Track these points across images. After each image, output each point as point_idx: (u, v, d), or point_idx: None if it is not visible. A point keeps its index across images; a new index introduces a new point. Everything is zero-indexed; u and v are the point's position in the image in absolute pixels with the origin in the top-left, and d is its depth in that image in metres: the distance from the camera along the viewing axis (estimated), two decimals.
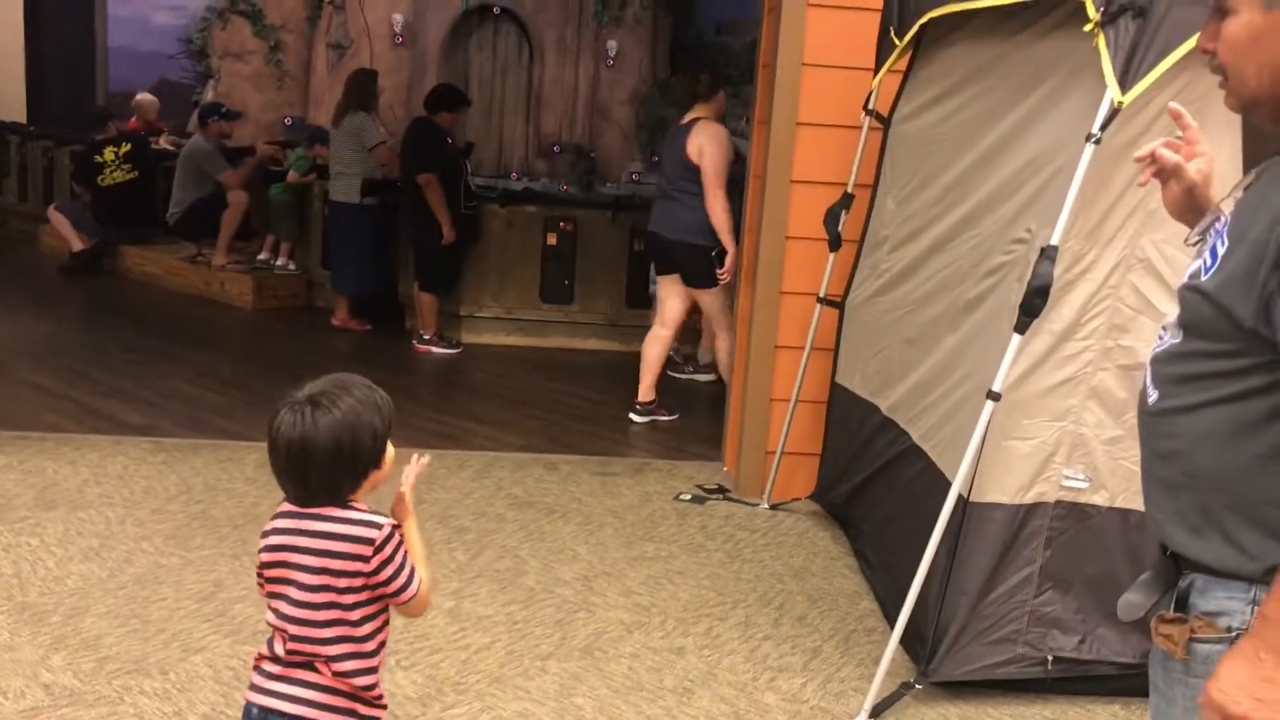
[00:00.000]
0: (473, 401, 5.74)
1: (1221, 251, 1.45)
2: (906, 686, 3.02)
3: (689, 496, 4.45)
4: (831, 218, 4.11)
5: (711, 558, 3.91)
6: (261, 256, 7.95)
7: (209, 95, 10.82)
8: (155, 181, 8.70)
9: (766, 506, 4.38)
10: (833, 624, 3.48)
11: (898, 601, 3.09)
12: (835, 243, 4.11)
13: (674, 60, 13.74)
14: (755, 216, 4.50)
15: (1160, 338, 1.51)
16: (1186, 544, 1.43)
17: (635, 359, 5.51)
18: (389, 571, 1.79)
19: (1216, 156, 2.38)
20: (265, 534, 1.84)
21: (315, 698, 1.80)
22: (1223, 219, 1.55)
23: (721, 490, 4.51)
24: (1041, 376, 2.92)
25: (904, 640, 3.06)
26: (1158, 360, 1.50)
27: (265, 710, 1.80)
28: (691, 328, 6.64)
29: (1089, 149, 2.73)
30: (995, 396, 2.83)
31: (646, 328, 6.76)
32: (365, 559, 1.77)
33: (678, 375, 6.36)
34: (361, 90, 7.02)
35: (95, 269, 8.41)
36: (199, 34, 11.03)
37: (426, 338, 6.64)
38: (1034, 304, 2.78)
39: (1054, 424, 2.94)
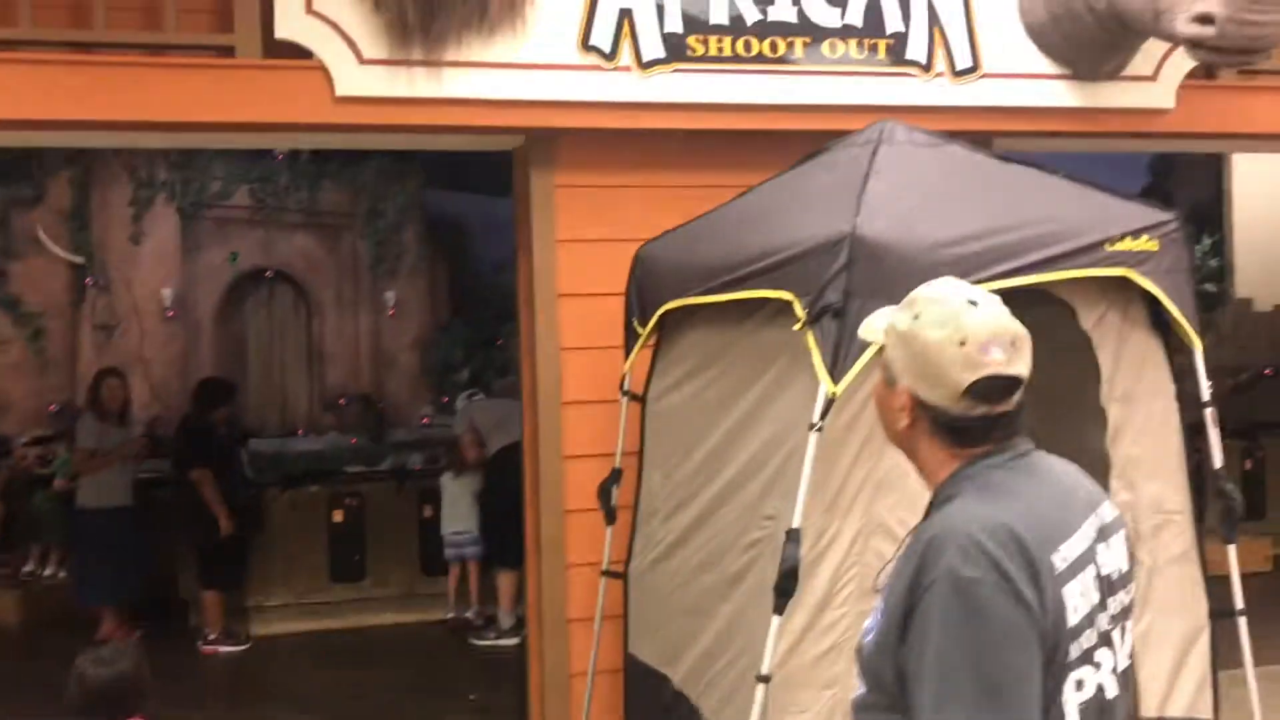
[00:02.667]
0: (263, 706, 5.50)
1: (879, 613, 1.64)
2: None
3: None
4: (604, 492, 4.27)
5: None
6: (27, 568, 7.52)
7: None
8: None
9: None
10: None
11: None
12: (610, 516, 4.26)
13: (455, 301, 14.08)
14: (533, 492, 4.62)
15: (857, 685, 1.66)
16: None
17: (435, 629, 5.44)
18: None
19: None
20: None
21: None
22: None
23: None
24: (806, 648, 3.09)
25: None
26: (855, 707, 1.65)
27: None
28: (490, 584, 6.64)
29: (813, 436, 2.99)
30: (765, 679, 2.97)
31: (444, 595, 6.72)
32: None
33: (479, 642, 6.29)
34: (90, 389, 6.91)
35: None
36: None
37: (211, 637, 6.38)
38: (786, 585, 2.97)
39: (825, 692, 3.10)
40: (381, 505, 6.92)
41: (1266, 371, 9.26)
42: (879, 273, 3.03)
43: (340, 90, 4.01)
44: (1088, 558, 1.63)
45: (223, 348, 12.19)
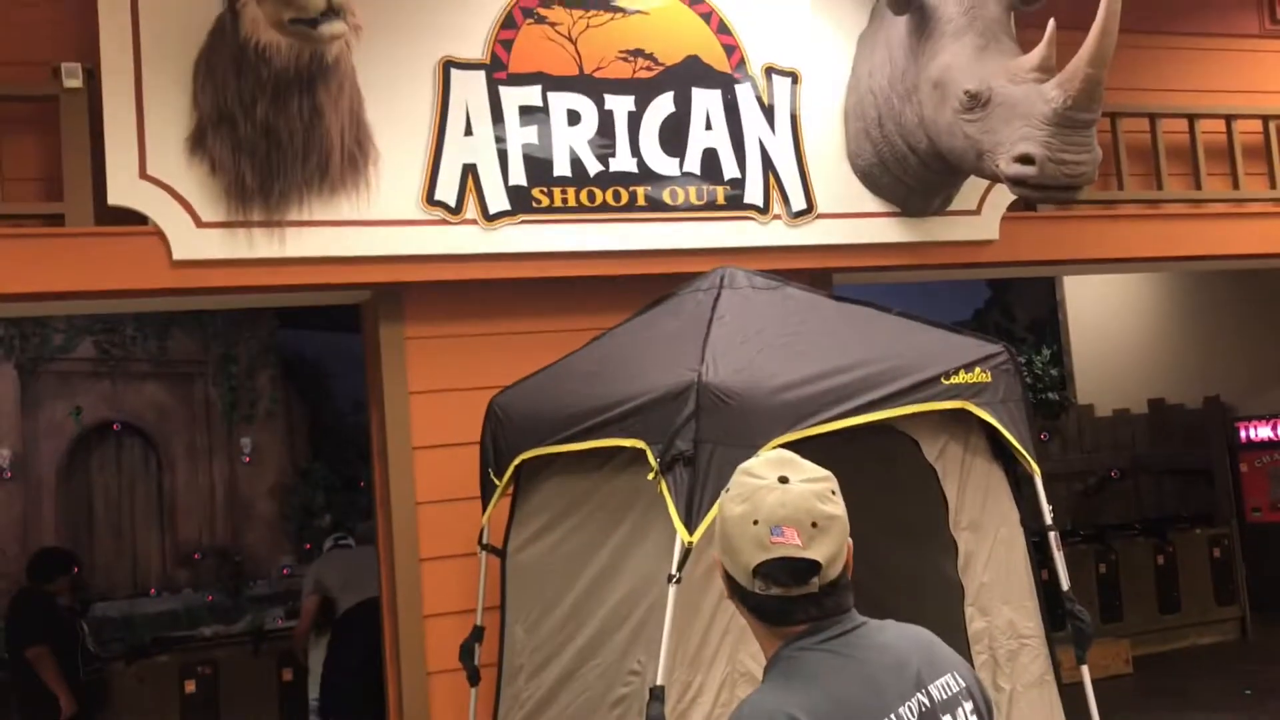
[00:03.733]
0: None
1: None
2: None
3: None
4: (466, 651, 4.15)
5: None
6: None
7: None
8: None
9: None
10: None
11: None
12: (474, 677, 4.13)
13: (315, 444, 13.77)
14: (393, 653, 4.46)
15: None
16: None
17: None
18: None
19: None
20: None
21: None
22: None
23: None
24: None
25: None
26: None
27: None
28: None
29: (672, 589, 2.98)
30: None
31: None
32: None
33: None
34: None
35: None
36: None
37: None
38: None
39: None
40: (238, 672, 6.57)
41: (1112, 474, 9.67)
42: (726, 419, 3.07)
43: (178, 254, 3.94)
44: None
45: (67, 507, 11.64)
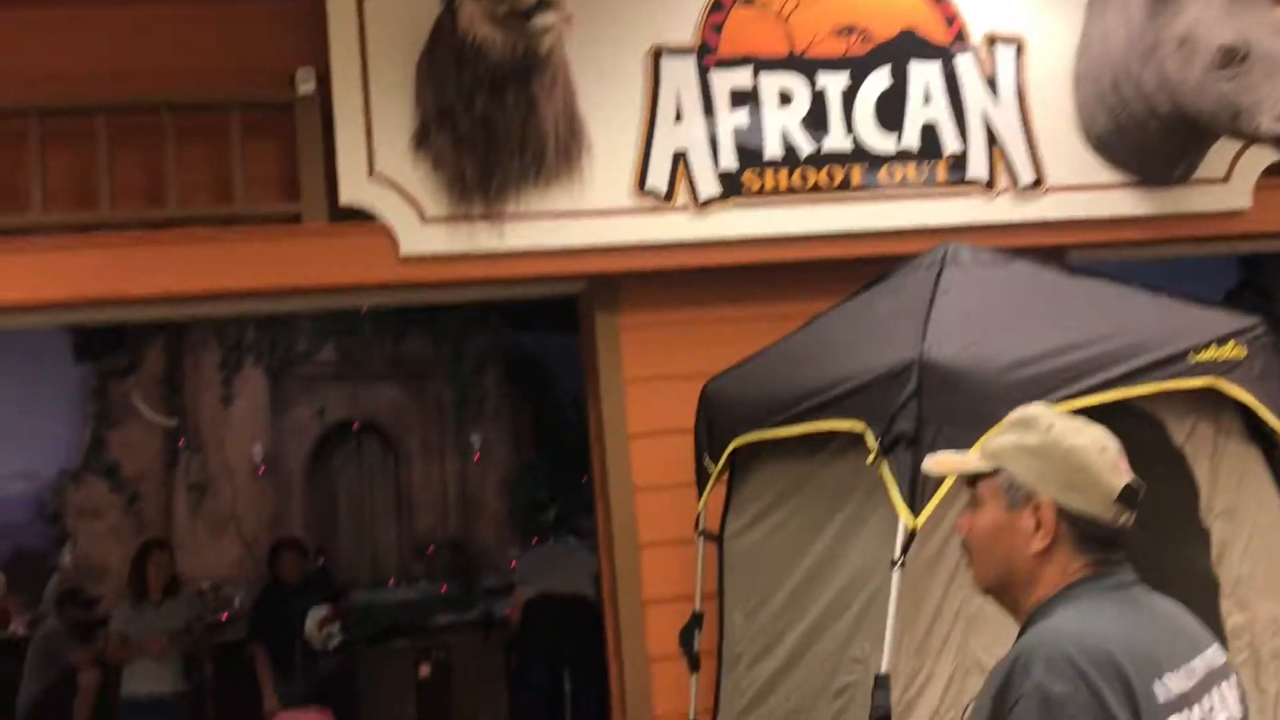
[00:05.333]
0: None
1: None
2: None
3: None
4: (686, 638, 4.14)
5: None
6: None
7: (66, 559, 10.58)
8: (7, 672, 8.23)
9: None
10: None
11: None
12: (694, 663, 4.12)
13: (539, 440, 14.13)
14: (614, 639, 4.50)
15: None
16: None
17: None
18: None
19: None
20: None
21: None
22: None
23: None
24: None
25: None
26: None
27: None
28: None
29: (895, 573, 2.86)
30: None
31: None
32: None
33: None
34: (132, 566, 6.39)
35: None
36: (53, 498, 10.91)
37: None
38: None
39: None
40: (469, 657, 6.81)
41: None
42: (951, 398, 2.93)
43: (405, 250, 4.09)
44: (1193, 697, 1.54)
45: (314, 502, 12.34)
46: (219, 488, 11.33)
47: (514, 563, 12.47)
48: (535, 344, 14.61)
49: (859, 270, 4.04)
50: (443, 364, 13.21)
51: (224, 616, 8.72)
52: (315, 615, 6.23)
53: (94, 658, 7.48)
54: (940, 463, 1.89)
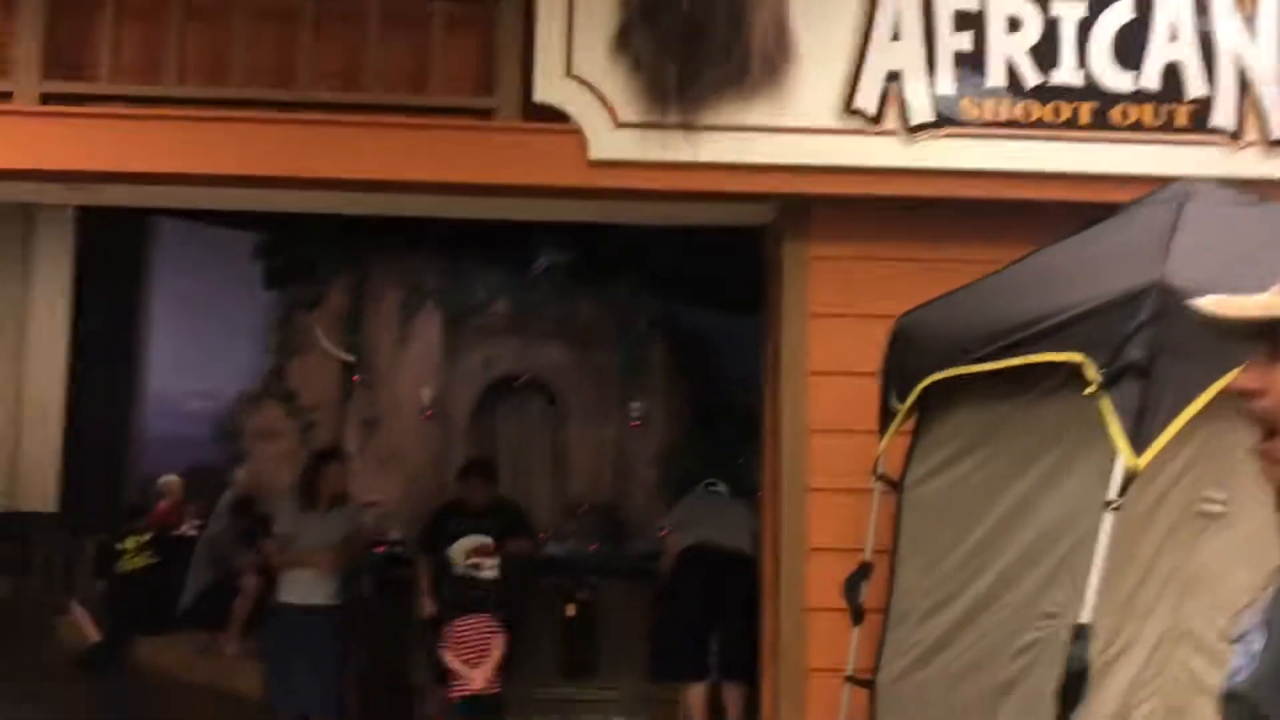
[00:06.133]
0: None
1: (1258, 647, 1.25)
2: None
3: None
4: (851, 586, 3.87)
5: None
6: None
7: (241, 476, 10.99)
8: (176, 568, 8.60)
9: None
10: None
11: None
12: (858, 615, 3.85)
13: (697, 418, 14.00)
14: (771, 587, 4.27)
15: None
16: None
17: None
18: None
19: (1247, 532, 2.17)
20: None
21: None
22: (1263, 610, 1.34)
23: None
24: None
25: None
26: None
27: None
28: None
29: (1108, 517, 2.54)
30: None
31: (675, 702, 6.36)
32: None
33: None
34: (305, 471, 6.26)
35: (111, 663, 8.13)
36: (232, 418, 11.35)
37: None
38: (1072, 692, 2.50)
39: None
40: (616, 603, 6.70)
41: None
42: (1191, 328, 2.58)
43: (594, 153, 3.95)
44: None
45: (475, 448, 12.48)
46: (388, 425, 11.58)
47: (664, 531, 12.43)
48: (706, 322, 14.48)
49: (1079, 216, 3.69)
50: (611, 329, 13.21)
51: (380, 549, 8.89)
52: (467, 544, 6.12)
53: (258, 564, 7.71)
54: (1227, 304, 1.36)
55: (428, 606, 6.03)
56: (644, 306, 13.21)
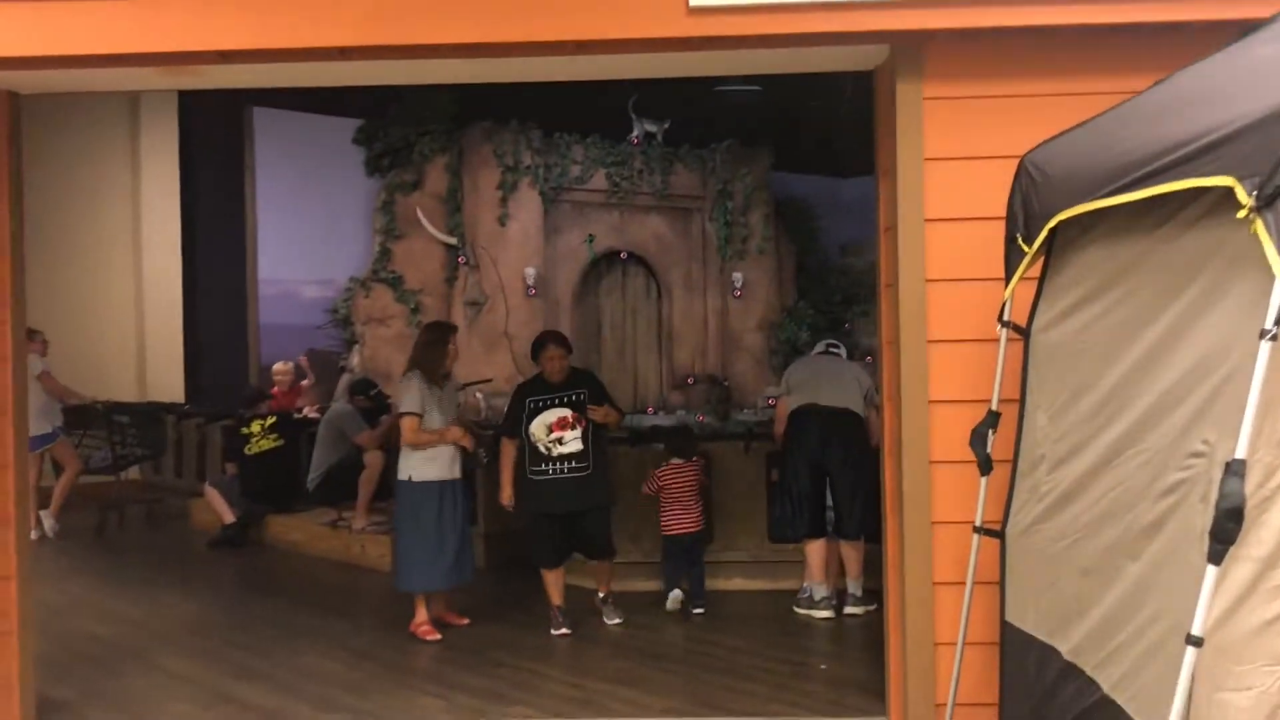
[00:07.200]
0: (610, 660, 5.40)
1: None
2: None
3: None
4: (979, 438, 3.78)
5: None
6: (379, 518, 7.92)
7: (355, 360, 11.25)
8: (300, 449, 8.90)
9: None
10: None
11: None
12: (986, 465, 3.76)
13: (800, 284, 13.82)
14: (895, 440, 4.20)
15: None
16: None
17: (781, 597, 5.14)
18: None
19: None
20: None
21: None
22: None
23: None
24: (1249, 613, 2.48)
25: None
26: None
27: None
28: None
29: (1265, 346, 2.39)
30: (1196, 641, 2.40)
31: (790, 564, 6.42)
32: None
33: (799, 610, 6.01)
34: (425, 345, 6.15)
35: (243, 541, 8.52)
36: (344, 303, 11.56)
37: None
38: (1226, 529, 2.39)
39: (1273, 668, 2.47)
40: (728, 468, 6.71)
41: None
42: None
43: (695, 0, 3.78)
44: None
45: (579, 326, 12.55)
46: (494, 305, 11.67)
47: (771, 400, 12.38)
48: (802, 187, 14.16)
49: (1214, 39, 3.41)
50: (709, 200, 13.02)
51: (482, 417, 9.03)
52: (548, 418, 5.88)
53: (379, 440, 7.93)
54: None
55: (506, 492, 5.96)
56: (743, 173, 12.98)
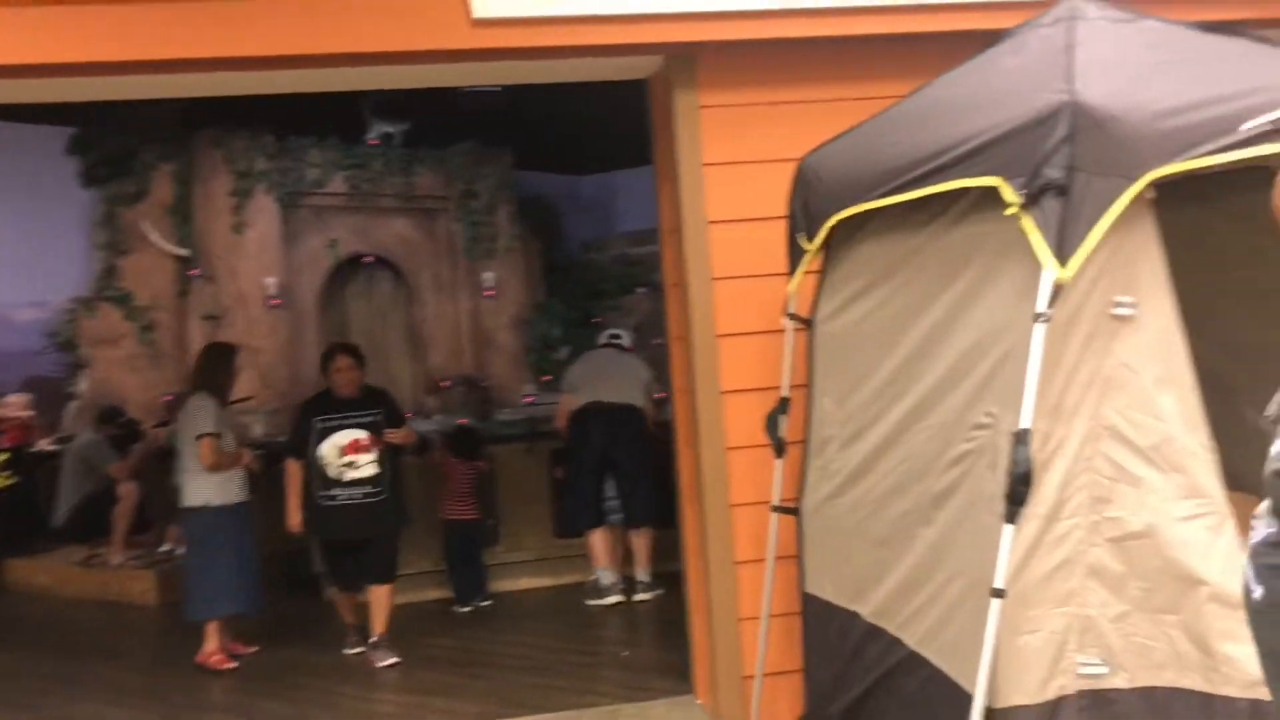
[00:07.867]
0: (415, 671, 5.37)
1: None
2: None
3: None
4: (772, 422, 4.03)
5: None
6: (164, 548, 7.49)
7: (84, 386, 10.47)
8: (38, 485, 8.24)
9: None
10: None
11: None
12: (780, 448, 4.02)
13: (548, 281, 14.00)
14: (689, 430, 4.40)
15: (1254, 529, 1.41)
16: None
17: (570, 591, 5.25)
18: None
19: (1154, 332, 2.35)
20: None
21: None
22: None
23: None
24: (1038, 563, 2.81)
25: None
26: (1256, 552, 1.40)
27: None
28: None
29: (1039, 328, 2.71)
30: (1000, 593, 2.70)
31: (576, 558, 6.57)
32: None
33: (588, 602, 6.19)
34: (207, 365, 5.96)
35: None
36: (66, 326, 10.73)
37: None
38: (1019, 491, 2.70)
39: (1059, 610, 2.81)
40: (514, 468, 6.78)
41: None
42: (1103, 144, 2.74)
43: (478, 11, 3.82)
44: None
45: (327, 334, 12.16)
46: (232, 318, 11.15)
47: (529, 399, 12.50)
48: (544, 185, 14.33)
49: (973, 45, 3.78)
50: (454, 200, 12.94)
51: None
52: (339, 440, 5.51)
53: (134, 470, 7.47)
54: None
55: (294, 518, 5.64)
56: (486, 173, 12.97)
